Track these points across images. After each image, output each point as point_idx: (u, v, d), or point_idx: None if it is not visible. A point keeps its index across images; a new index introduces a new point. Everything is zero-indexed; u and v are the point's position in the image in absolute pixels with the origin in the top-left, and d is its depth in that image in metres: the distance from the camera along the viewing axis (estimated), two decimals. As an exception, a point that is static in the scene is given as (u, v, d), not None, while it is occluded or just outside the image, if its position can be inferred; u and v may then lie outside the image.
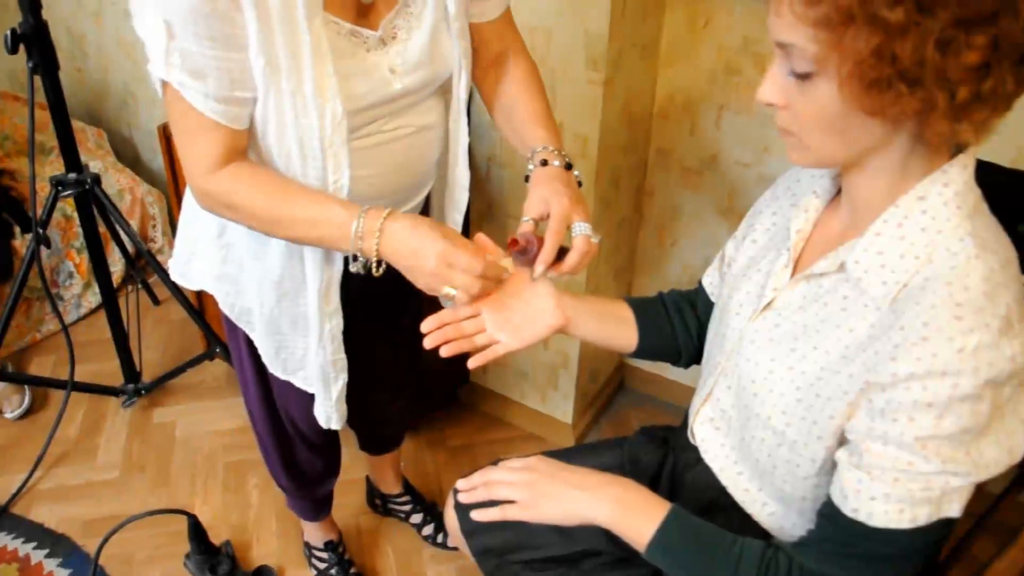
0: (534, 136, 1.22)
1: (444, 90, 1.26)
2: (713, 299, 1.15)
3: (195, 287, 1.41)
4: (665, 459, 1.21)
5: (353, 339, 1.34)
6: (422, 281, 1.06)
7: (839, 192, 0.95)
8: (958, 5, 0.70)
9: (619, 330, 1.17)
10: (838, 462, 0.87)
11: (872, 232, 0.85)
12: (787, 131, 0.86)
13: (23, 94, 2.91)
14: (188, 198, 1.35)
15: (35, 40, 1.72)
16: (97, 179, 1.99)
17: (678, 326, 1.19)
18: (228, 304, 1.37)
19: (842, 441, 0.87)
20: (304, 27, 1.03)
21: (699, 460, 1.10)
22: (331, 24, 1.07)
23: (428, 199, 1.37)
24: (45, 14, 1.74)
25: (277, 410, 1.53)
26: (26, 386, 2.34)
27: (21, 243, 2.44)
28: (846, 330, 0.86)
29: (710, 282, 1.17)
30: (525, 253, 1.08)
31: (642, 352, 1.18)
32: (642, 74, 1.86)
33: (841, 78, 0.76)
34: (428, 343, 1.07)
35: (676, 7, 1.83)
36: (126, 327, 2.23)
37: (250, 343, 1.40)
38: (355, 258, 1.09)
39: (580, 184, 1.20)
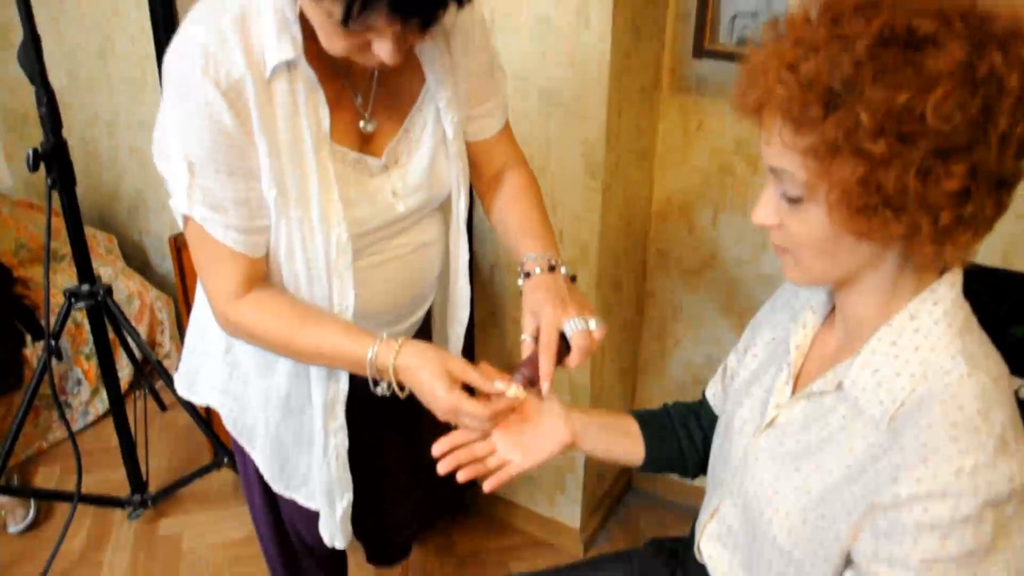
0: (522, 246, 1.22)
1: (444, 206, 1.29)
2: (717, 411, 1.16)
3: (201, 402, 1.42)
4: (674, 574, 1.19)
5: (359, 449, 1.34)
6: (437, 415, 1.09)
7: (835, 307, 0.97)
8: (935, 137, 0.73)
9: (626, 444, 1.17)
10: (847, 585, 0.86)
11: (867, 351, 0.86)
12: (782, 249, 0.89)
13: (38, 201, 2.99)
14: (196, 312, 1.38)
15: (55, 159, 1.79)
16: (109, 290, 2.03)
17: (683, 439, 1.19)
18: (231, 420, 1.38)
19: (848, 562, 0.87)
20: (312, 158, 1.08)
21: (708, 576, 1.09)
22: (337, 153, 1.12)
23: (429, 312, 1.40)
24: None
25: (283, 523, 1.52)
26: (31, 498, 2.32)
27: (31, 351, 2.46)
28: (847, 449, 0.87)
29: (713, 394, 1.18)
30: (532, 384, 1.09)
31: (649, 465, 1.18)
32: (639, 178, 1.91)
33: (830, 203, 0.79)
34: (442, 468, 1.08)
35: (669, 113, 1.89)
36: (133, 434, 2.22)
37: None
38: (375, 383, 1.11)
39: (574, 278, 1.20)
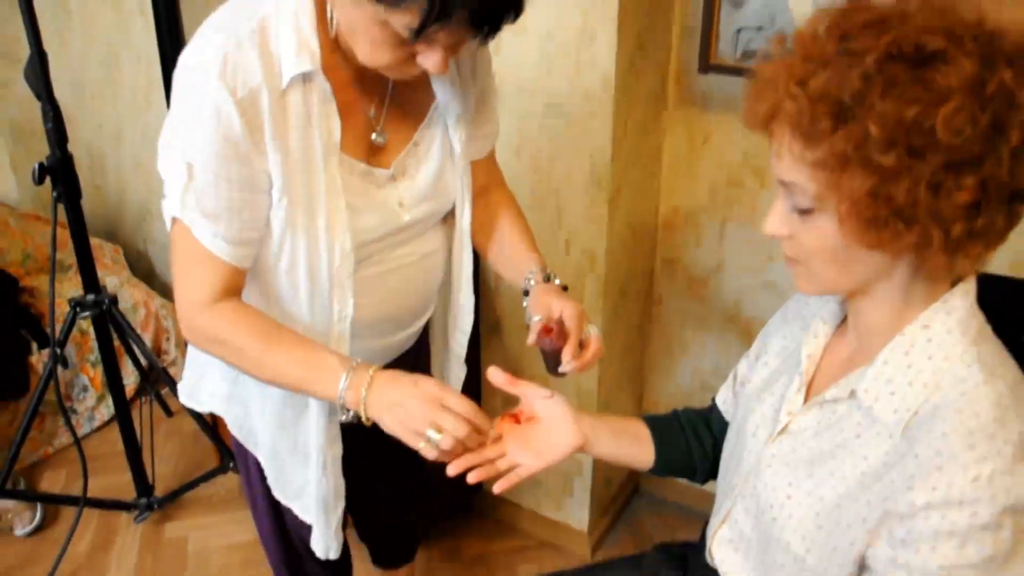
0: (530, 259, 1.29)
1: (447, 218, 1.31)
2: (727, 418, 1.17)
3: (204, 409, 1.43)
4: (685, 579, 1.20)
5: (361, 451, 1.35)
6: (409, 425, 1.03)
7: (846, 316, 0.98)
8: (946, 150, 0.74)
9: (636, 448, 1.18)
10: (862, 591, 0.87)
11: (880, 360, 0.87)
12: (793, 260, 0.90)
13: (44, 213, 3.00)
14: None
15: (61, 173, 1.80)
16: (114, 300, 2.05)
17: (693, 444, 1.20)
18: (237, 426, 1.39)
19: (863, 567, 0.88)
20: (321, 167, 1.09)
21: (719, 581, 1.10)
22: (346, 163, 1.13)
23: (429, 322, 1.41)
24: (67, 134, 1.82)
25: (286, 525, 1.52)
26: (38, 502, 2.33)
27: (37, 359, 2.47)
28: (861, 457, 0.88)
29: (723, 400, 1.19)
30: (554, 344, 1.13)
31: (659, 469, 1.19)
32: (646, 189, 1.92)
33: (840, 215, 0.80)
34: (451, 470, 1.07)
35: (676, 126, 1.91)
36: (139, 440, 2.24)
37: (259, 461, 1.41)
38: (344, 411, 1.08)
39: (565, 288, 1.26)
